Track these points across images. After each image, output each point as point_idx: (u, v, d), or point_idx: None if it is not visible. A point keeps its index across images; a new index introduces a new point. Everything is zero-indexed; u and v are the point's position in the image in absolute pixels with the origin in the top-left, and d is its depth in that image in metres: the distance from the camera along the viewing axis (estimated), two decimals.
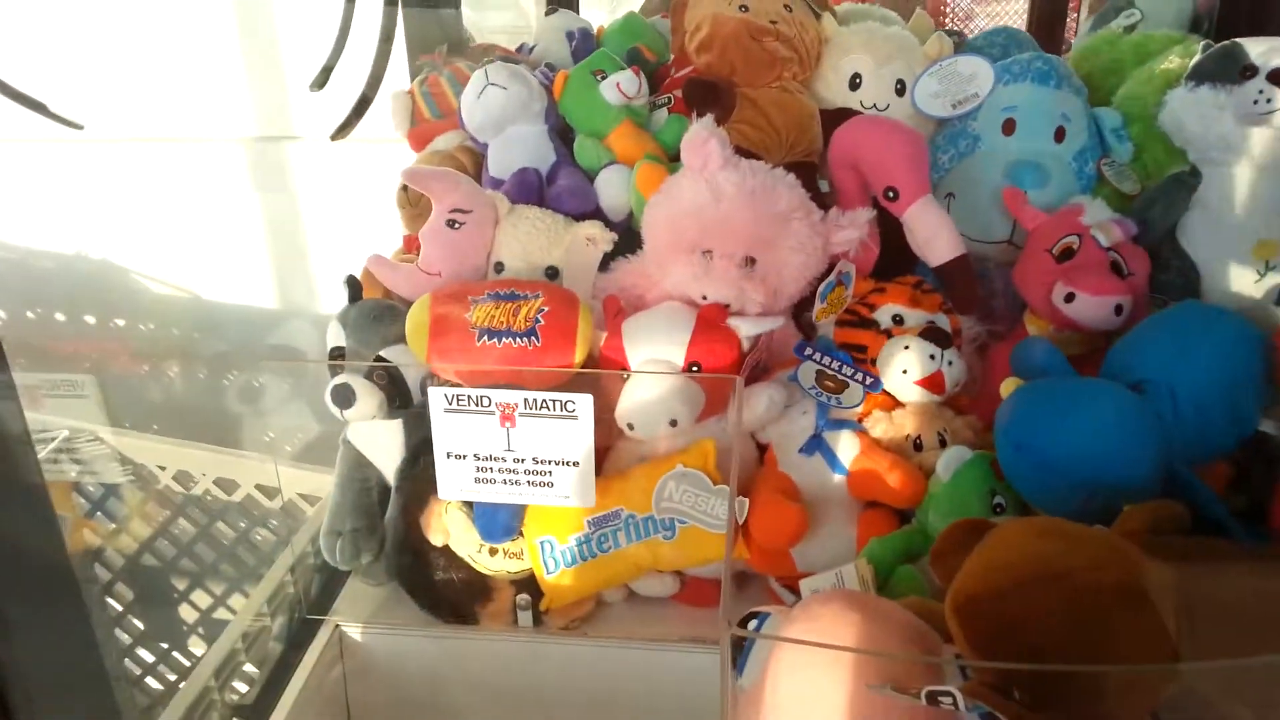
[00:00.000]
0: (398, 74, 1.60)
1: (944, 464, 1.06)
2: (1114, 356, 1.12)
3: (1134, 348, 1.10)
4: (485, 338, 1.12)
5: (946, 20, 5.89)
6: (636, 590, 1.23)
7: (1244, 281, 1.27)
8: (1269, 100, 1.19)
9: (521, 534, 1.17)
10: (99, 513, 1.80)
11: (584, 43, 1.66)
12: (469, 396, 1.08)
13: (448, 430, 1.10)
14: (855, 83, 1.39)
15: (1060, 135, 1.35)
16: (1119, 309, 1.19)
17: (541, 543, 1.17)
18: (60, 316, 2.07)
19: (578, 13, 2.05)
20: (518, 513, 1.16)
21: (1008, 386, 1.10)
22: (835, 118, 1.38)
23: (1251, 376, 1.05)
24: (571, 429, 1.08)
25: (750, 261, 1.14)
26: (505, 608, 1.21)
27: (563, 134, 1.42)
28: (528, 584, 1.20)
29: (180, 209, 1.93)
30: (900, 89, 1.39)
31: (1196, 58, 1.31)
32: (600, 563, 1.16)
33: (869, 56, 1.38)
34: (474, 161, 1.43)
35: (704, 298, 1.15)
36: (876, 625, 0.81)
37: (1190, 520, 0.91)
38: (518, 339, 1.12)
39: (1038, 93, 1.35)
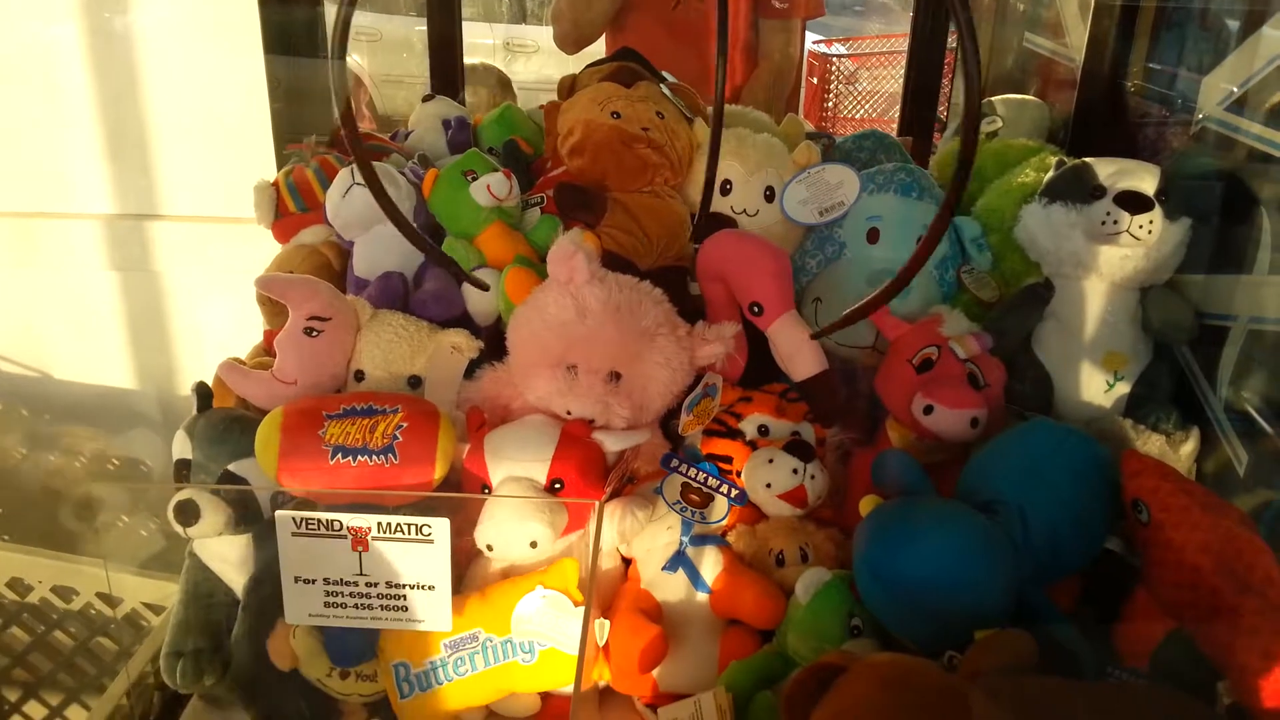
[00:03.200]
0: (264, 162, 1.56)
1: (802, 586, 1.06)
2: (968, 475, 1.14)
3: (985, 468, 1.12)
4: (339, 455, 1.08)
5: (831, 81, 6.07)
6: (496, 710, 1.19)
7: (1094, 391, 1.32)
8: (1115, 222, 1.25)
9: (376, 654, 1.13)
10: None
11: (460, 132, 1.65)
12: (319, 521, 1.03)
13: (296, 554, 1.05)
14: (726, 189, 1.41)
15: None
16: (974, 421, 1.21)
17: (396, 666, 1.12)
18: None
19: (460, 99, 2.03)
20: (371, 635, 1.11)
21: (866, 505, 1.11)
22: (706, 222, 1.39)
23: (1099, 496, 1.09)
24: (427, 553, 1.04)
25: (615, 376, 1.14)
26: None
27: (433, 232, 1.40)
28: (381, 707, 1.15)
29: (33, 285, 1.84)
30: (769, 195, 1.41)
31: (1050, 174, 1.37)
32: (457, 686, 1.12)
33: (739, 163, 1.40)
34: (340, 257, 1.40)
35: (568, 413, 1.14)
36: None
37: (1036, 649, 0.92)
38: (374, 456, 1.09)
39: (901, 204, 1.39)
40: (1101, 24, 1.67)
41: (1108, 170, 1.30)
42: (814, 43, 4.89)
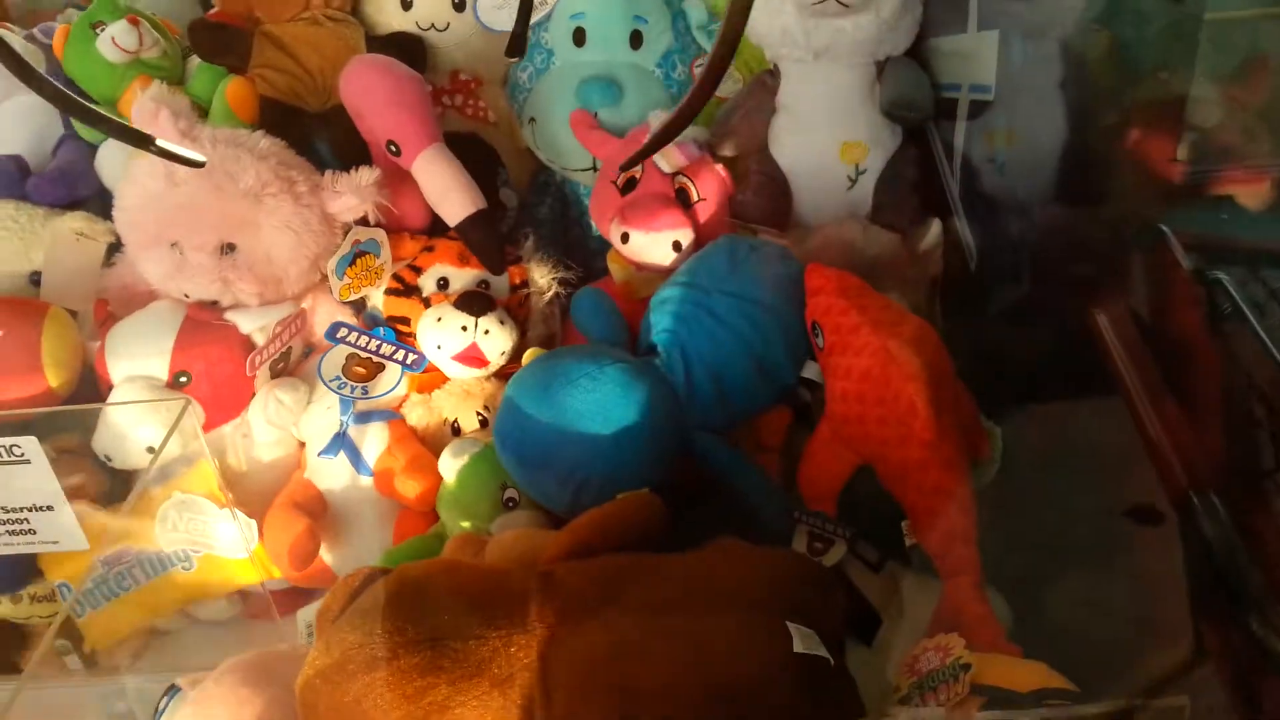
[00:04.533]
0: None
1: (444, 462, 0.95)
2: (647, 312, 1.01)
3: (656, 302, 0.99)
4: None
5: None
6: (196, 615, 1.12)
7: (835, 189, 1.16)
8: None
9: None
10: None
11: None
12: None
13: None
14: (406, 2, 1.21)
15: (637, 41, 1.20)
16: (677, 245, 1.06)
17: (59, 586, 1.05)
18: None
19: None
20: (21, 559, 1.03)
21: (528, 357, 0.99)
22: (389, 44, 1.21)
23: (780, 321, 0.95)
24: (29, 473, 0.94)
25: (229, 248, 0.99)
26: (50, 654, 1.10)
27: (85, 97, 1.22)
28: (66, 627, 1.08)
29: None
30: (460, 5, 1.21)
31: None
32: (129, 600, 1.05)
33: None
34: None
35: (186, 296, 1.01)
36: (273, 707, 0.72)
37: (659, 510, 0.81)
38: None
39: None
40: None
41: None
42: None
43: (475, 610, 0.66)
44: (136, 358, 0.99)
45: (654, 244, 1.06)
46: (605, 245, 1.27)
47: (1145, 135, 0.92)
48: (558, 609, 0.67)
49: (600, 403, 0.88)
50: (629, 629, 0.66)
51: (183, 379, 0.99)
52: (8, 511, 0.98)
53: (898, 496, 0.87)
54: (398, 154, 1.02)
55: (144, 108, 0.97)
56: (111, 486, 1.08)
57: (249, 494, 1.02)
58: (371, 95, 1.00)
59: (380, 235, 1.07)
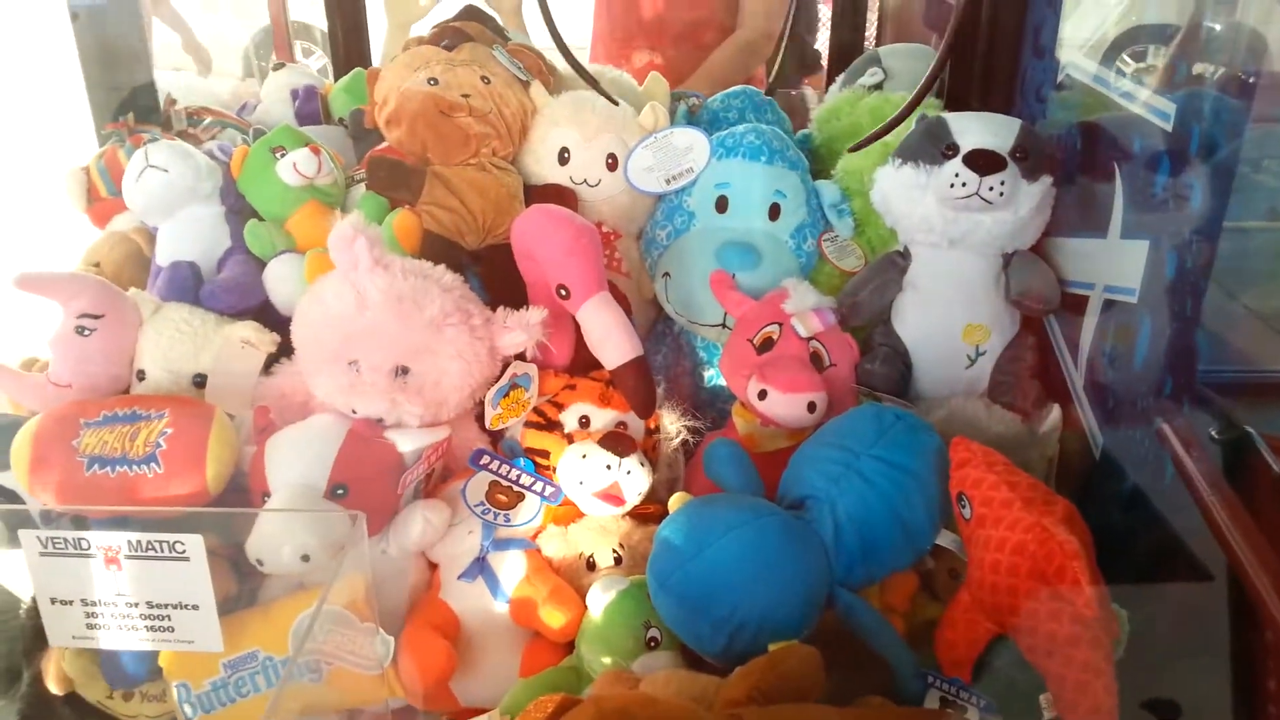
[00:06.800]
0: (84, 144, 1.46)
1: (593, 596, 0.98)
2: (790, 467, 1.05)
3: (803, 459, 1.03)
4: (96, 467, 1.00)
5: None
6: None
7: (954, 368, 1.22)
8: (964, 184, 1.13)
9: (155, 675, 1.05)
10: None
11: (307, 102, 1.55)
12: (65, 540, 0.95)
13: (48, 574, 0.97)
14: (564, 157, 1.30)
15: (775, 213, 1.29)
16: (812, 406, 1.12)
17: (178, 687, 1.05)
18: None
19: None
20: (149, 655, 1.04)
21: (675, 502, 1.02)
22: (545, 194, 1.29)
23: (923, 489, 0.99)
24: (184, 571, 0.96)
25: (403, 371, 1.04)
26: None
27: (253, 214, 1.30)
28: None
29: None
30: (612, 163, 1.31)
31: (910, 131, 1.26)
32: (242, 708, 1.05)
33: (575, 130, 1.29)
34: (152, 243, 1.30)
35: (354, 411, 1.05)
36: None
37: (820, 664, 0.83)
38: (135, 466, 1.01)
39: (749, 169, 1.28)
40: None
41: (963, 126, 1.18)
42: None
43: None
44: (298, 466, 1.03)
45: (791, 404, 1.11)
46: (717, 396, 1.33)
47: None
48: None
49: (760, 552, 0.91)
50: None
51: (340, 491, 1.02)
52: (153, 607, 1.00)
53: (1041, 670, 0.89)
54: (567, 297, 1.08)
55: (343, 234, 1.04)
56: (240, 591, 1.10)
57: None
58: (549, 242, 1.07)
59: (533, 370, 1.13)
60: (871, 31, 2.37)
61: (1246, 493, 0.93)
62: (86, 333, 1.10)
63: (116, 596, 0.98)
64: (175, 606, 0.99)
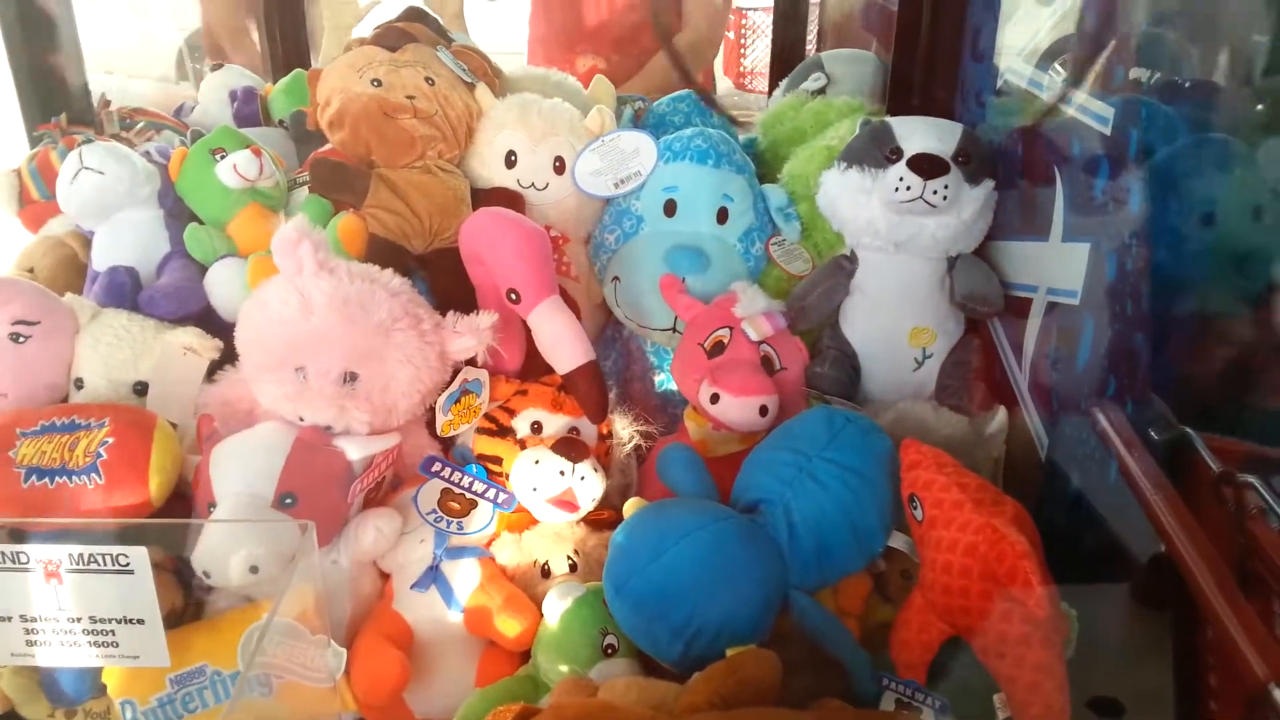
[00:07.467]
0: (16, 145, 1.41)
1: (549, 604, 0.97)
2: (743, 471, 1.05)
3: (756, 462, 1.04)
4: (34, 478, 0.97)
5: (746, 35, 5.90)
6: None
7: (902, 370, 1.24)
8: (909, 188, 1.15)
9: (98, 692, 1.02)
10: None
11: (246, 104, 1.52)
12: (4, 554, 0.92)
13: None
14: (511, 160, 1.29)
15: (723, 216, 1.29)
16: (763, 409, 1.12)
17: (123, 704, 1.02)
18: None
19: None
20: (91, 672, 1.01)
21: (630, 508, 1.02)
22: (493, 198, 1.28)
23: (875, 491, 1.00)
24: (128, 584, 0.93)
25: (351, 377, 1.03)
26: None
27: (192, 218, 1.27)
28: None
29: None
30: (560, 166, 1.30)
31: (855, 135, 1.27)
32: None
33: (523, 132, 1.28)
34: (87, 248, 1.27)
35: (301, 419, 1.03)
36: None
37: (778, 668, 0.84)
38: (75, 477, 0.98)
39: (697, 172, 1.28)
40: None
41: (907, 130, 1.20)
42: None
43: None
44: (244, 475, 1.00)
45: (744, 407, 1.12)
46: (668, 401, 1.33)
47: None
48: None
49: (717, 556, 0.91)
50: None
51: (288, 500, 1.00)
52: (95, 622, 0.97)
53: (993, 670, 0.91)
54: (517, 301, 1.07)
55: (287, 237, 1.02)
56: (186, 604, 1.08)
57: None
58: (498, 245, 1.07)
59: (484, 376, 1.12)
60: (812, 37, 2.40)
61: (1186, 491, 0.95)
62: (21, 340, 1.06)
63: (57, 611, 0.95)
64: (119, 621, 0.96)
